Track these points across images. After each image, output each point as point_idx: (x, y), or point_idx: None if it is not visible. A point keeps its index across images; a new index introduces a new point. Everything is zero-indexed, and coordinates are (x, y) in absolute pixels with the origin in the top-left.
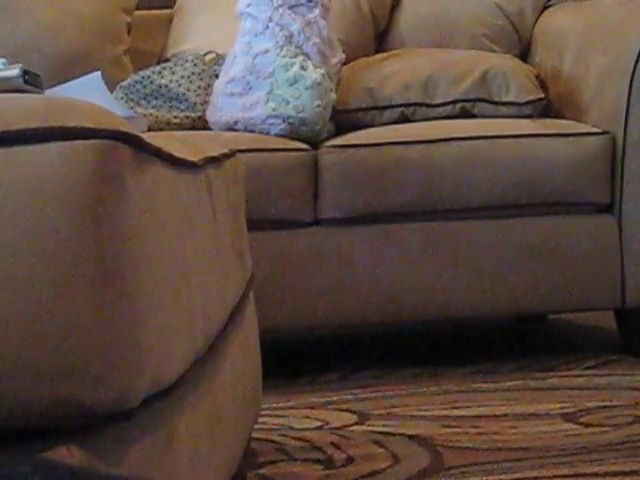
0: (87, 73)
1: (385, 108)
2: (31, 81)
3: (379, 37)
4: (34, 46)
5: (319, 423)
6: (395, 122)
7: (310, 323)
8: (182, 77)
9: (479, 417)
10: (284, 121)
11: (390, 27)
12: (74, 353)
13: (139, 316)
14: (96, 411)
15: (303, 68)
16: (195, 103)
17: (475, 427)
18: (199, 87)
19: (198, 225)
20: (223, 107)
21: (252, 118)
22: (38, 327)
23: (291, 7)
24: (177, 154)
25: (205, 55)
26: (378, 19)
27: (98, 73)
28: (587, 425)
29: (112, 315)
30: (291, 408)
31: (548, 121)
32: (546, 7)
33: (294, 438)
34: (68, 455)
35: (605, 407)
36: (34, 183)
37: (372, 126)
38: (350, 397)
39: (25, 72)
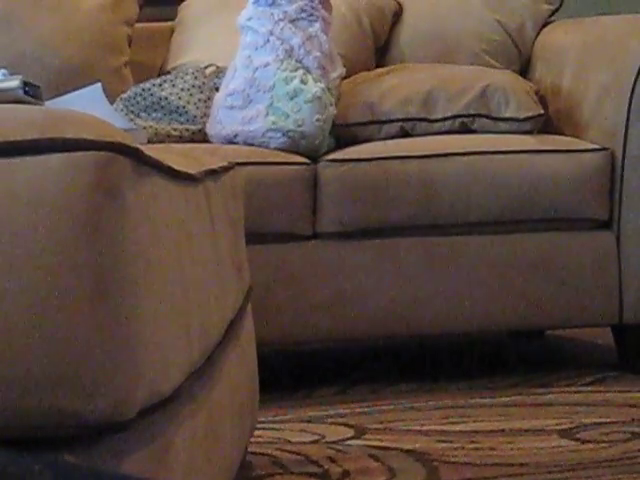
0: (87, 85)
1: (385, 123)
2: (31, 92)
3: (379, 52)
4: (35, 57)
5: (315, 437)
6: (394, 137)
7: (307, 337)
8: (182, 90)
9: (476, 432)
10: (284, 135)
11: (390, 42)
12: (71, 364)
13: (136, 327)
14: (92, 422)
15: (303, 82)
16: (195, 116)
17: (471, 442)
18: (199, 100)
19: (196, 237)
20: (223, 120)
21: (252, 131)
22: (36, 338)
23: (292, 21)
24: (176, 166)
25: (205, 68)
26: (379, 34)
27: (98, 85)
28: (584, 441)
29: (109, 326)
30: (287, 421)
31: (547, 137)
32: (546, 23)
33: (290, 452)
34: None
35: (602, 423)
36: (33, 194)
37: (371, 140)
38: (347, 411)
39: (25, 83)
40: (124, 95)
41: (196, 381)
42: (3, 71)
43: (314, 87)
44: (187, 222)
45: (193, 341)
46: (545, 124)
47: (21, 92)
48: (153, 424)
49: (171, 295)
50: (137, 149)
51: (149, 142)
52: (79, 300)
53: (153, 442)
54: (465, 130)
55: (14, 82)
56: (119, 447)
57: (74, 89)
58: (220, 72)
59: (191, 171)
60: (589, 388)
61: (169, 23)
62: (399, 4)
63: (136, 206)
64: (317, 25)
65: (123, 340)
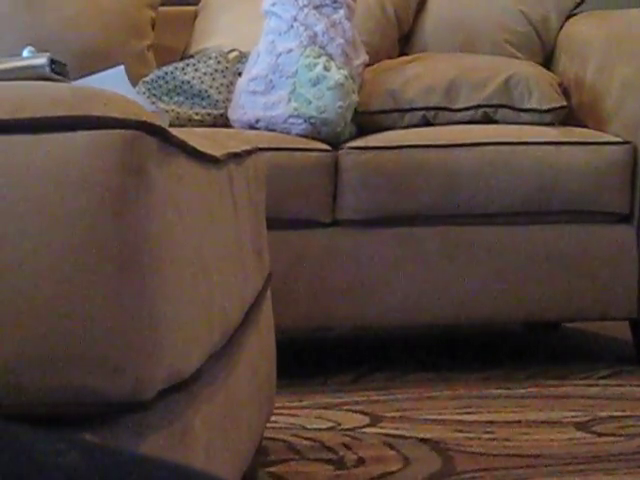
0: (111, 67)
1: (407, 111)
2: (58, 70)
3: (403, 40)
4: (59, 39)
5: (331, 424)
6: (416, 125)
7: (325, 324)
8: (205, 74)
9: (491, 423)
10: (305, 121)
11: (414, 30)
12: (93, 342)
13: (158, 307)
14: (112, 400)
15: (326, 69)
16: (217, 100)
17: (487, 433)
18: (221, 84)
19: (219, 220)
20: (245, 105)
21: (274, 117)
22: (59, 315)
23: (316, 7)
24: (200, 148)
25: (228, 53)
26: (402, 22)
27: (121, 67)
28: (599, 434)
29: (132, 305)
30: (304, 408)
31: (569, 129)
32: (571, 15)
33: (306, 438)
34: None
35: (618, 417)
36: (59, 171)
37: (393, 129)
38: (363, 399)
39: (52, 61)
40: (146, 78)
41: (216, 364)
42: (30, 48)
43: (337, 74)
44: (210, 204)
45: (214, 323)
46: (567, 116)
47: (48, 69)
48: (173, 405)
49: (193, 276)
50: (163, 129)
51: (171, 126)
52: (103, 278)
53: (173, 423)
54: (487, 120)
55: (42, 59)
56: (139, 427)
57: (97, 71)
58: (243, 57)
59: (215, 153)
60: (605, 381)
61: (193, 7)
62: None
63: (161, 185)
64: (341, 12)
65: (145, 319)
